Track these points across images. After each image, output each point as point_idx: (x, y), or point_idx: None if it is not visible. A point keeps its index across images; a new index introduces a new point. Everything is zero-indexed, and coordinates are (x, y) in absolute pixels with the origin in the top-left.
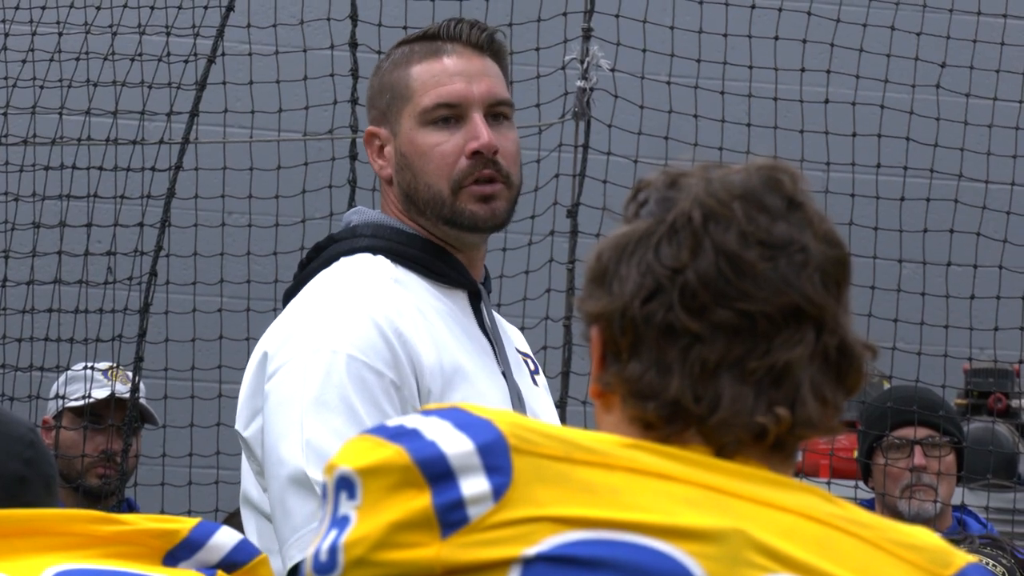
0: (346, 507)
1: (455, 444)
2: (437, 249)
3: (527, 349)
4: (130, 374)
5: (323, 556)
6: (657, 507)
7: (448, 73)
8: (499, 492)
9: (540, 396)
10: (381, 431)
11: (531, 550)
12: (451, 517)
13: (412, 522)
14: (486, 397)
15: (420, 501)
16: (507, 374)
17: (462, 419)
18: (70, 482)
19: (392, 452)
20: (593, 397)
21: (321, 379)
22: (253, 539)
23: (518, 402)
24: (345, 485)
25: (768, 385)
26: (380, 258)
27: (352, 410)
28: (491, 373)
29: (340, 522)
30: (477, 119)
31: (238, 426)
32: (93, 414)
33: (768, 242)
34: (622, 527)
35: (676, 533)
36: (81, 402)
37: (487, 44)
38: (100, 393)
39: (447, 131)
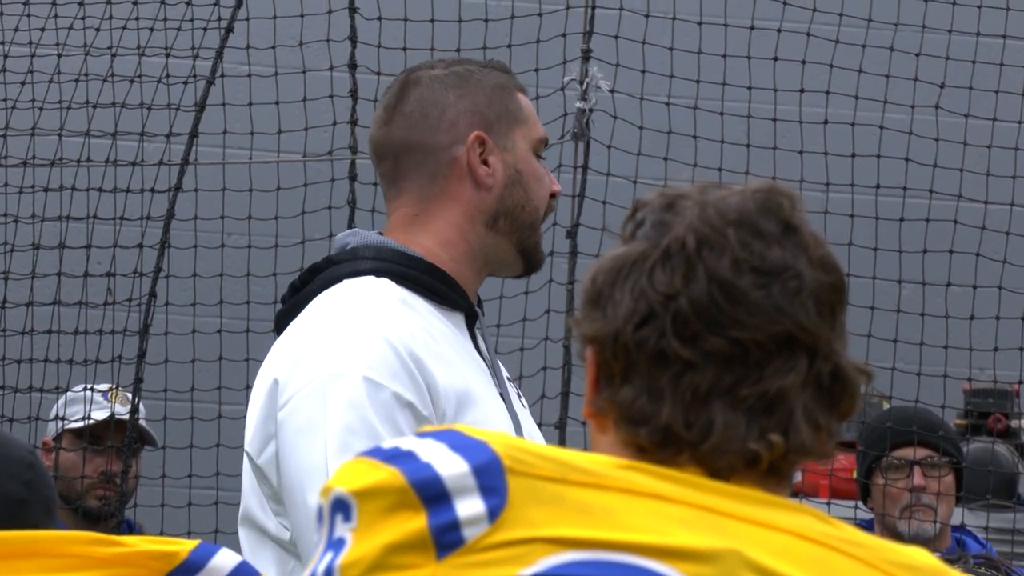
0: (341, 529)
1: (450, 466)
2: (438, 271)
3: (509, 374)
4: (129, 395)
5: None
6: (652, 527)
7: (535, 114)
8: (494, 513)
9: (529, 420)
10: (376, 453)
11: (526, 571)
12: (447, 539)
13: (408, 544)
14: (493, 419)
15: (416, 523)
16: (504, 396)
17: (457, 441)
18: (70, 504)
19: (387, 474)
20: (587, 418)
21: (344, 405)
22: (249, 560)
23: (515, 424)
24: (341, 507)
25: (760, 412)
26: (385, 280)
27: (377, 436)
28: (493, 396)
29: (336, 544)
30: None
31: (251, 452)
32: (93, 436)
33: (762, 269)
34: (617, 548)
35: (671, 553)
36: (81, 423)
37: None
38: (99, 415)
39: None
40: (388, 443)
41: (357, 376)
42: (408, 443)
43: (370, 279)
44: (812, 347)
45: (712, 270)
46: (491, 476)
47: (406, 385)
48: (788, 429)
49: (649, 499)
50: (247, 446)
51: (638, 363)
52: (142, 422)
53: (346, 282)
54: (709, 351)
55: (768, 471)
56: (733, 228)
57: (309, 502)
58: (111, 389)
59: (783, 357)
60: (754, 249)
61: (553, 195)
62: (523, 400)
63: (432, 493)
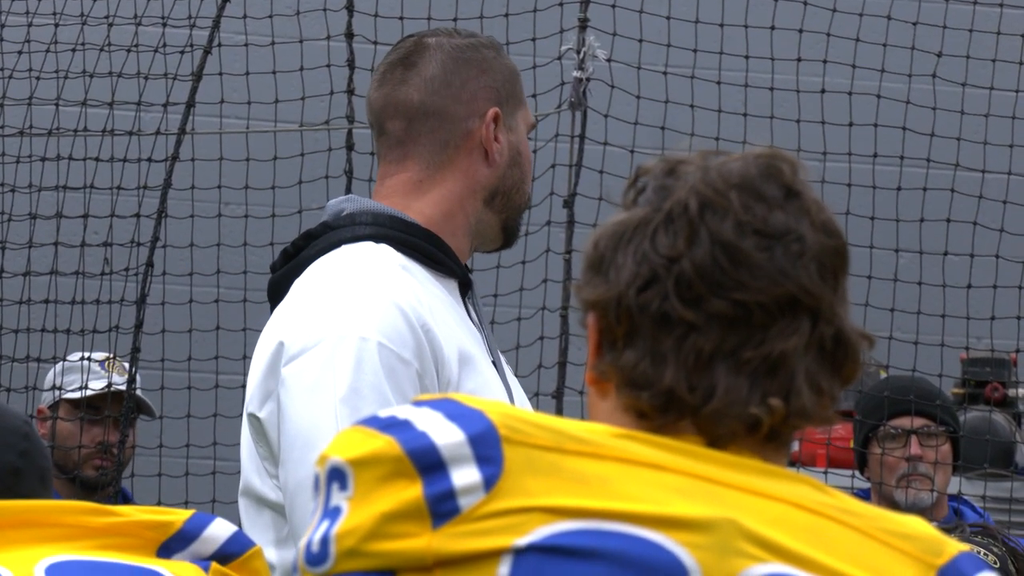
0: (338, 498)
1: (446, 434)
2: (435, 238)
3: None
4: (127, 365)
5: (315, 547)
6: (648, 497)
7: None
8: (490, 482)
9: (519, 389)
10: (373, 422)
11: (522, 540)
12: (442, 508)
13: (403, 513)
14: (490, 386)
15: (411, 492)
16: (497, 364)
17: (453, 410)
18: (67, 473)
19: (383, 443)
20: (589, 384)
21: (353, 367)
22: (249, 530)
23: (507, 392)
24: (337, 476)
25: (763, 375)
26: (384, 246)
27: (385, 400)
28: (488, 363)
29: (332, 513)
30: None
31: (251, 408)
32: (90, 405)
33: (764, 231)
34: (613, 517)
35: (667, 523)
36: (78, 394)
37: None
38: (97, 384)
39: None
40: (384, 412)
41: (369, 339)
42: (404, 412)
43: (369, 244)
44: (814, 310)
45: (715, 232)
46: (487, 445)
47: (415, 352)
48: (790, 393)
49: (646, 468)
50: (247, 404)
51: (641, 327)
52: (139, 392)
53: (345, 247)
54: (712, 313)
55: (768, 437)
56: (736, 191)
57: (309, 459)
58: (108, 359)
59: (786, 320)
60: (757, 212)
61: None
62: (508, 369)
63: (428, 462)
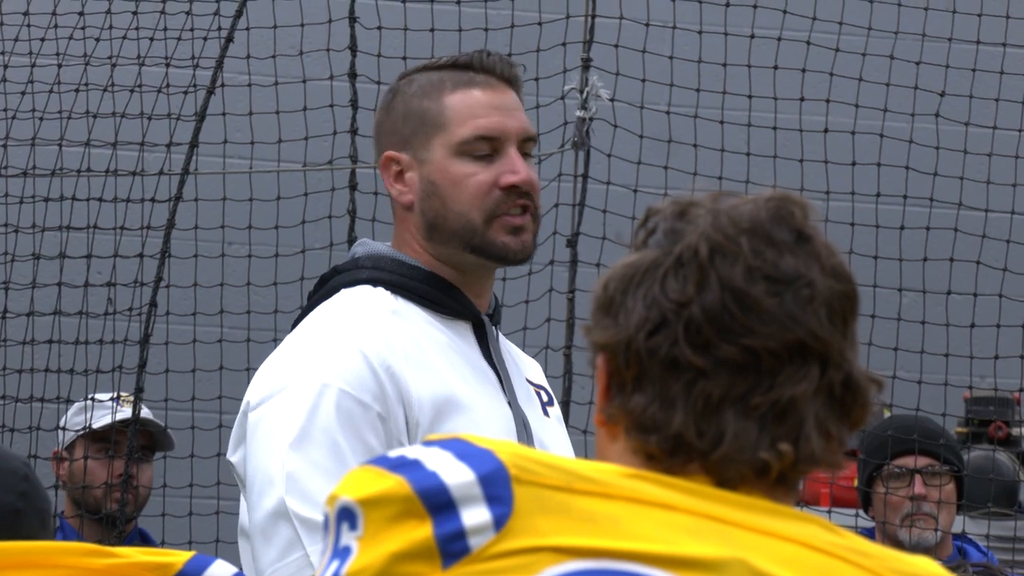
0: (347, 538)
1: (456, 474)
2: (438, 280)
3: (542, 380)
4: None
5: None
6: (658, 536)
7: (484, 105)
8: (500, 522)
9: (550, 427)
10: (382, 462)
11: None
12: (452, 547)
13: (413, 552)
14: (483, 427)
15: (421, 532)
16: (513, 404)
17: (463, 450)
18: (89, 509)
19: (393, 483)
20: (598, 426)
21: (307, 412)
22: (248, 571)
23: (524, 432)
24: (346, 516)
25: (772, 421)
26: (380, 290)
27: (335, 444)
28: (494, 403)
29: (342, 553)
30: (513, 154)
31: (227, 453)
32: (106, 440)
33: (774, 277)
34: (623, 557)
35: (677, 563)
36: (108, 419)
37: (515, 78)
38: (122, 415)
39: (482, 163)
40: (394, 452)
41: (330, 385)
42: (414, 452)
43: (366, 288)
44: (824, 356)
45: (725, 278)
46: (497, 485)
47: (375, 395)
48: (799, 438)
49: (655, 508)
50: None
51: (650, 371)
52: (155, 420)
53: (343, 291)
54: (721, 359)
55: (776, 480)
56: (746, 236)
57: (263, 504)
58: (122, 397)
59: (795, 365)
60: (767, 257)
61: (510, 186)
62: (551, 409)
63: (438, 502)
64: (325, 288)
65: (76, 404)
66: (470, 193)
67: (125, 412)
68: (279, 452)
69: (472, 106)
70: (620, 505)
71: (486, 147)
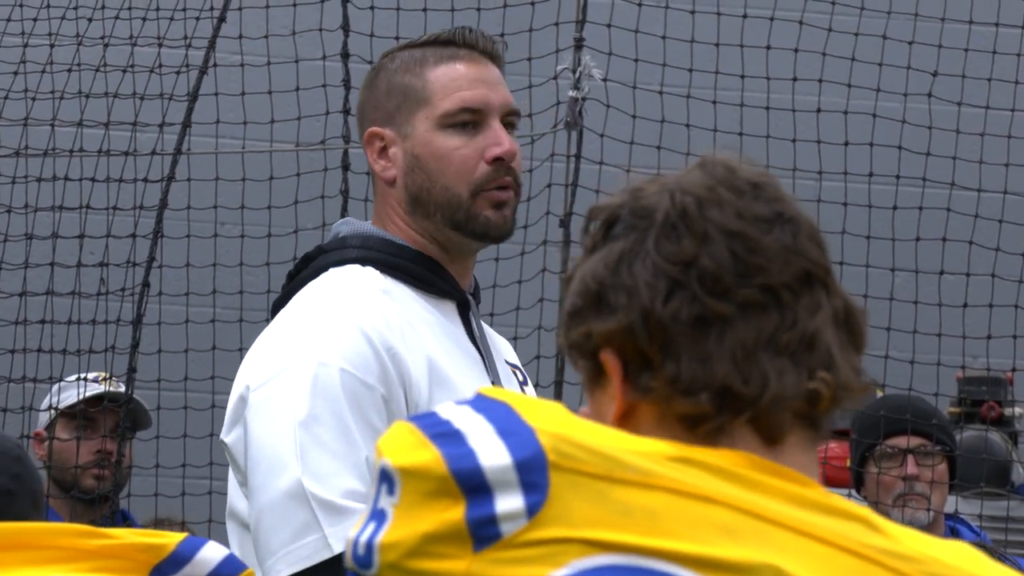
0: (385, 501)
1: (494, 456)
2: (426, 260)
3: (516, 360)
4: (123, 385)
5: (360, 549)
6: (692, 535)
7: (468, 78)
8: (533, 510)
9: None
10: (426, 425)
11: (557, 572)
12: (484, 532)
13: (445, 534)
14: None
15: (454, 513)
16: (496, 384)
17: (506, 424)
18: (66, 490)
19: (431, 458)
20: (616, 420)
21: (313, 393)
22: (237, 552)
23: None
24: (386, 478)
25: (803, 355)
26: (369, 269)
27: (344, 425)
28: (480, 384)
29: (378, 515)
30: (497, 126)
31: (222, 434)
32: (85, 418)
33: (761, 216)
34: (653, 554)
35: (708, 564)
36: (75, 398)
37: (497, 53)
38: (92, 391)
39: (466, 135)
40: (444, 411)
41: (332, 366)
42: (460, 418)
43: (355, 267)
44: (824, 283)
45: (722, 225)
46: (533, 472)
47: (378, 376)
48: (831, 367)
49: (695, 501)
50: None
51: (677, 335)
52: (136, 397)
53: (332, 271)
54: (742, 303)
55: (812, 423)
56: (721, 187)
57: (272, 484)
58: (104, 378)
59: (808, 296)
60: (746, 201)
61: (497, 159)
62: (527, 388)
63: (472, 484)
64: (311, 267)
65: (58, 384)
66: (456, 166)
67: (96, 389)
68: (288, 432)
69: (456, 79)
70: (659, 497)
71: (470, 119)
